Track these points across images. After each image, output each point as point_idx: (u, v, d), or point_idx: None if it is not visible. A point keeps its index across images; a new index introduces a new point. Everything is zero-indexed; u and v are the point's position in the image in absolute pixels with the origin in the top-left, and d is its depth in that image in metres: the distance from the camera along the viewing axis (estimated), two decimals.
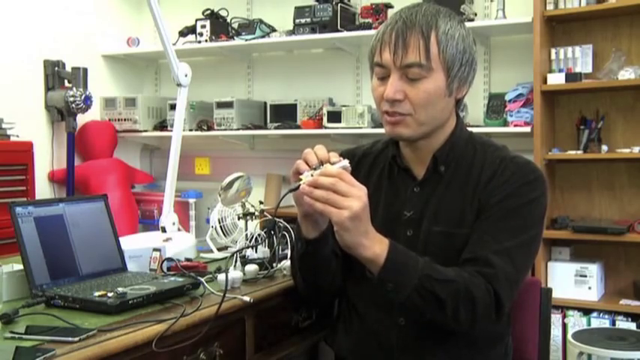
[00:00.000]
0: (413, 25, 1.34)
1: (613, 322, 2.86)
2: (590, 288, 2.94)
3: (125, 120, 3.93)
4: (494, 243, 1.32)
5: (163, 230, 2.05)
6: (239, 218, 2.03)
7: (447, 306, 1.27)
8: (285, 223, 1.70)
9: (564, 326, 2.96)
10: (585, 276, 2.95)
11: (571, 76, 2.93)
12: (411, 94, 1.35)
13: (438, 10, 1.39)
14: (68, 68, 3.68)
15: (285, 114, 3.63)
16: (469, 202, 1.38)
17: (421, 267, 1.28)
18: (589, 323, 2.89)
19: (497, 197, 1.36)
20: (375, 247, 1.25)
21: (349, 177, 1.25)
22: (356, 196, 1.22)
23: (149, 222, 3.86)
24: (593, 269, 2.95)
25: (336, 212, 1.21)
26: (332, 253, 1.45)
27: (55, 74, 3.66)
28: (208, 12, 3.78)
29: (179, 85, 2.11)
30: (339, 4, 3.40)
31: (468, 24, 3.09)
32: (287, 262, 1.70)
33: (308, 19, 3.45)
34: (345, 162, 1.33)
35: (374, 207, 1.47)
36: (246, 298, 1.50)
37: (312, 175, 1.27)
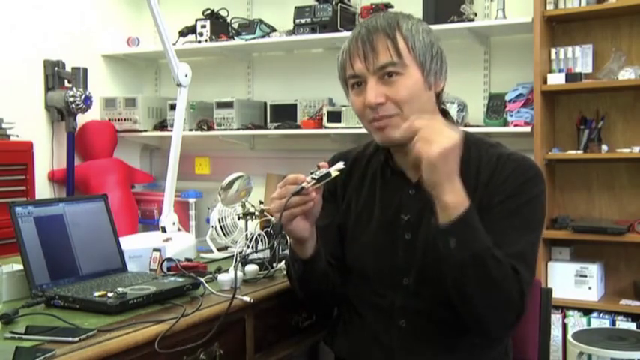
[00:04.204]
0: (376, 30, 1.36)
1: (613, 322, 2.86)
2: (590, 288, 2.94)
3: (125, 120, 3.92)
4: (508, 246, 1.30)
5: (163, 230, 2.06)
6: (239, 218, 2.03)
7: (491, 285, 1.24)
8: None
9: (564, 326, 2.95)
10: (585, 276, 2.95)
11: (571, 76, 2.92)
12: (392, 93, 1.35)
13: (396, 13, 1.41)
14: (68, 68, 3.68)
15: (285, 114, 3.62)
16: None
17: (487, 239, 1.25)
18: (589, 323, 2.89)
19: (500, 197, 1.35)
20: (456, 197, 1.23)
21: (442, 122, 1.28)
22: (446, 136, 1.21)
23: (149, 222, 3.86)
24: (593, 269, 2.94)
25: (426, 147, 1.20)
26: (327, 264, 1.47)
27: (55, 74, 3.65)
28: (208, 12, 3.78)
29: (179, 85, 2.11)
30: (339, 4, 3.39)
31: (468, 24, 3.12)
32: None
33: (308, 19, 3.45)
34: (340, 164, 1.36)
35: (369, 210, 1.47)
36: (246, 298, 1.50)
37: (312, 179, 1.31)
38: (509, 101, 3.07)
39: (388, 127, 1.37)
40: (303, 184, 1.31)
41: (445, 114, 1.48)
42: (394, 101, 1.35)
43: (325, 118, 3.44)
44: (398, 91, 1.35)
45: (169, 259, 1.74)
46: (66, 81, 3.67)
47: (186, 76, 2.12)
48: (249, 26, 3.71)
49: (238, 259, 1.67)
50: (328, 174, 1.33)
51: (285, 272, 1.70)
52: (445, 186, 1.22)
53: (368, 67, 1.35)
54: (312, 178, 1.32)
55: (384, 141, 1.41)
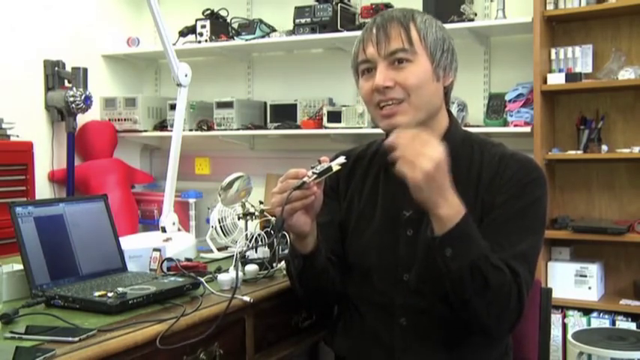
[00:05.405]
0: (391, 19, 1.40)
1: (613, 322, 2.86)
2: (590, 288, 2.94)
3: (125, 120, 3.92)
4: (510, 247, 1.31)
5: (163, 230, 2.06)
6: (239, 218, 2.03)
7: (489, 293, 1.25)
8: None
9: (564, 326, 2.95)
10: (585, 276, 2.95)
11: (571, 76, 2.92)
12: (400, 79, 1.37)
13: (411, 9, 1.45)
14: (68, 68, 3.68)
15: (285, 114, 3.62)
16: (472, 202, 1.37)
17: (484, 246, 1.27)
18: (589, 323, 2.89)
19: (503, 197, 1.36)
20: (450, 209, 1.23)
21: (424, 135, 1.25)
22: (427, 156, 1.21)
23: (149, 222, 3.86)
24: (593, 269, 2.94)
25: (410, 173, 1.21)
26: (327, 260, 1.47)
27: (55, 74, 3.65)
28: (208, 12, 3.78)
29: (179, 85, 2.11)
30: (339, 4, 3.39)
31: (468, 24, 3.12)
32: None
33: (308, 19, 3.45)
34: (342, 158, 1.37)
35: (372, 207, 1.48)
36: (246, 298, 1.50)
37: (313, 173, 1.32)
38: (509, 101, 3.07)
39: (395, 114, 1.38)
40: (305, 179, 1.31)
41: (449, 115, 1.48)
42: (402, 86, 1.37)
43: (325, 118, 3.44)
44: (407, 78, 1.37)
45: (169, 259, 1.73)
46: (66, 81, 3.67)
47: (186, 76, 2.12)
48: (249, 26, 3.71)
49: (238, 259, 1.67)
50: (329, 168, 1.34)
51: (285, 272, 1.71)
52: (437, 201, 1.23)
53: (379, 51, 1.38)
54: (314, 172, 1.32)
55: (390, 128, 1.41)
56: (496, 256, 1.28)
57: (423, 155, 1.21)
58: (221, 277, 1.58)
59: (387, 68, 1.37)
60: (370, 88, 1.39)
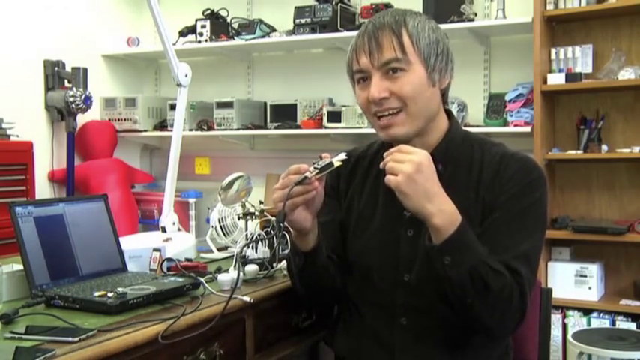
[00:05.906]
0: (383, 26, 1.37)
1: (613, 322, 2.86)
2: (590, 288, 2.94)
3: (125, 120, 3.93)
4: (512, 247, 1.32)
5: (163, 230, 2.06)
6: (239, 218, 2.03)
7: (491, 296, 1.26)
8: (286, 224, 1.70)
9: (564, 326, 2.96)
10: (585, 276, 2.95)
11: (571, 76, 2.93)
12: (396, 89, 1.36)
13: (404, 10, 1.43)
14: (68, 68, 3.68)
15: (285, 114, 3.63)
16: (472, 202, 1.37)
17: (482, 251, 1.27)
18: (589, 323, 2.89)
19: (504, 197, 1.36)
20: (444, 218, 1.24)
21: (406, 147, 1.28)
22: (407, 161, 1.23)
23: (149, 222, 3.86)
24: (593, 269, 2.95)
25: (393, 179, 1.24)
26: (327, 258, 1.48)
27: (55, 74, 3.66)
28: (208, 12, 3.78)
29: (179, 85, 2.11)
30: (339, 4, 3.40)
31: (468, 24, 3.12)
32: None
33: (308, 19, 3.45)
34: (342, 154, 1.37)
35: (372, 207, 1.48)
36: (246, 298, 1.50)
37: (315, 169, 1.32)
38: (509, 101, 3.07)
39: (393, 125, 1.38)
40: (306, 174, 1.32)
41: (449, 114, 1.48)
42: (398, 96, 1.36)
43: (325, 118, 3.44)
44: (402, 87, 1.36)
45: (169, 259, 1.73)
46: (66, 81, 3.67)
47: (186, 76, 2.12)
48: (249, 26, 3.71)
49: (238, 259, 1.67)
50: (331, 164, 1.34)
51: (285, 272, 1.71)
52: (428, 208, 1.24)
53: (373, 62, 1.36)
54: (315, 168, 1.33)
55: (389, 139, 1.42)
56: (496, 259, 1.28)
57: (403, 161, 1.24)
58: (221, 277, 1.58)
59: (381, 79, 1.36)
60: (366, 98, 1.39)
